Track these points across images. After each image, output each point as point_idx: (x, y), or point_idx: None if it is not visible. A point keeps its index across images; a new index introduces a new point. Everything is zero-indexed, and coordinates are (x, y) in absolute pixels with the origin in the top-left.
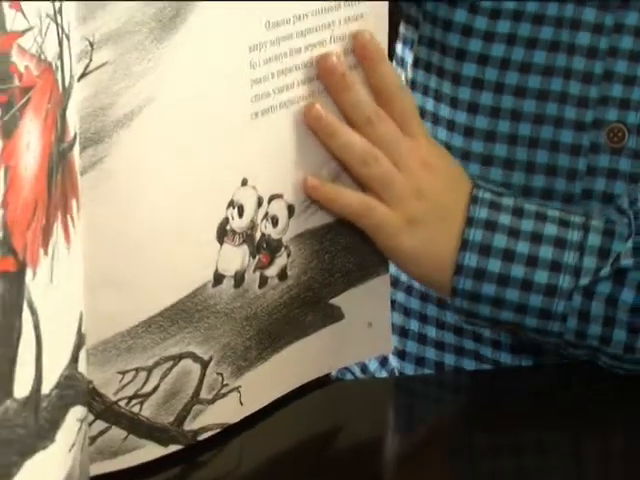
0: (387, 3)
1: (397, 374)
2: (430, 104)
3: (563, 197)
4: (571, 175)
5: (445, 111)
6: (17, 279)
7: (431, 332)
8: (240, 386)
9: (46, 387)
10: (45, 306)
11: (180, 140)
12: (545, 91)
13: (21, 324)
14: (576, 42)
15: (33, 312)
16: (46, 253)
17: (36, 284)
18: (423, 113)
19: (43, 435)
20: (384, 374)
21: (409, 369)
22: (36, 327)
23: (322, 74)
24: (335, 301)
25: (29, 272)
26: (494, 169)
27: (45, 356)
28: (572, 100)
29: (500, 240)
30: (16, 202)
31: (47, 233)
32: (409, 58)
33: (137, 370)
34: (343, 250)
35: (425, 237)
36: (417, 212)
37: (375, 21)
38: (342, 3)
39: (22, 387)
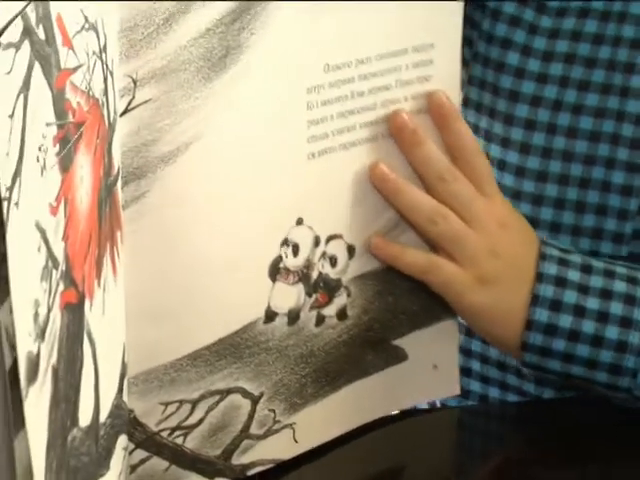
0: (459, 49)
1: (439, 405)
2: (480, 144)
3: (613, 237)
4: (622, 215)
5: (496, 151)
6: (79, 310)
7: (475, 366)
8: (294, 423)
9: (103, 416)
10: (100, 336)
11: (230, 178)
12: (597, 132)
13: (83, 354)
14: (630, 85)
15: (92, 342)
16: (99, 285)
17: (93, 315)
18: None
19: (101, 463)
20: (425, 405)
21: (453, 401)
22: (94, 357)
23: (393, 131)
24: (399, 342)
25: (87, 303)
26: (545, 209)
27: (101, 385)
28: (624, 142)
29: (570, 296)
30: (75, 235)
31: (99, 265)
32: None
33: (181, 402)
34: (407, 292)
35: (496, 295)
36: (491, 271)
37: (446, 67)
38: (409, 48)
39: (85, 416)
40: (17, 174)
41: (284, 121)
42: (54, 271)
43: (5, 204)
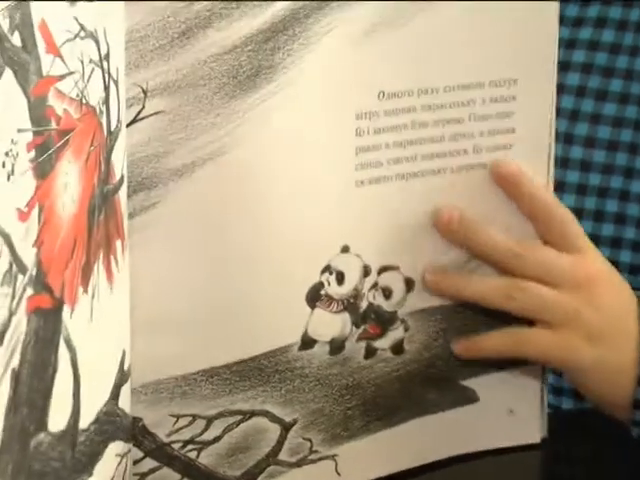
0: (552, 85)
1: None
2: None
3: (632, 245)
4: None
5: None
6: (53, 316)
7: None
8: (336, 455)
9: (84, 422)
10: (84, 343)
11: (259, 197)
12: (615, 142)
13: (57, 360)
14: None
15: (70, 349)
16: (86, 291)
17: (75, 321)
18: None
19: (80, 469)
20: None
21: None
22: (74, 363)
23: (439, 228)
24: (469, 383)
25: (67, 309)
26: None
27: (84, 392)
28: None
29: None
30: (52, 241)
31: (87, 272)
32: None
33: (194, 417)
34: (479, 332)
35: (603, 352)
36: (594, 325)
37: (532, 105)
38: (487, 81)
39: (58, 421)
40: None
41: (328, 145)
42: (19, 276)
43: None
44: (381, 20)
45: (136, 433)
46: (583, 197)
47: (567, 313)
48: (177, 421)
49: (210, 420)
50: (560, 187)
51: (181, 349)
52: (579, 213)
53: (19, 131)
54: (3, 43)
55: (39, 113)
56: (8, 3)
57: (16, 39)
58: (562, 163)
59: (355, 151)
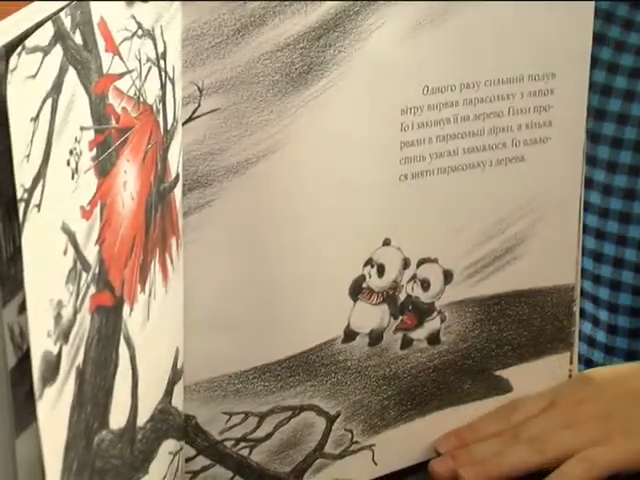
0: (586, 80)
1: None
2: None
3: None
4: None
5: None
6: (114, 314)
7: None
8: (374, 444)
9: (141, 419)
10: (142, 341)
11: (310, 193)
12: None
13: (118, 357)
14: None
15: (130, 346)
16: (143, 290)
17: (133, 319)
18: None
19: (137, 467)
20: None
21: None
22: (132, 361)
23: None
24: (502, 373)
25: (126, 307)
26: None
27: (141, 389)
28: None
29: None
30: (113, 239)
31: (145, 270)
32: None
33: (247, 414)
34: (514, 323)
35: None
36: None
37: (568, 98)
38: (526, 75)
39: (118, 419)
40: (40, 176)
41: (374, 141)
42: (84, 274)
43: (22, 205)
44: (426, 16)
45: (189, 431)
46: (608, 197)
47: (576, 447)
48: (230, 419)
49: (262, 417)
50: (626, 218)
51: (235, 347)
52: (605, 212)
53: (82, 129)
54: (67, 42)
55: (100, 111)
56: (69, 2)
57: (78, 37)
58: (627, 194)
59: (400, 146)
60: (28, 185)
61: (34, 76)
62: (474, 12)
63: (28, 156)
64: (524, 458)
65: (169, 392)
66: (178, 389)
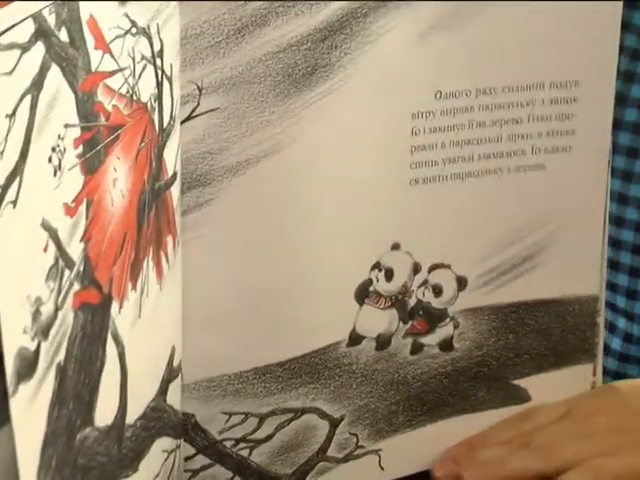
0: (612, 89)
1: None
2: None
3: None
4: None
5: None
6: (100, 311)
7: None
8: (380, 449)
9: (131, 417)
10: (132, 339)
11: (314, 194)
12: None
13: (105, 355)
14: None
15: (118, 344)
16: (134, 287)
17: (123, 317)
18: None
19: (126, 464)
20: None
21: None
22: (121, 358)
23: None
24: (521, 382)
25: (115, 305)
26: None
27: (130, 387)
28: None
29: None
30: (101, 236)
31: (136, 268)
32: None
33: (247, 415)
34: (533, 332)
35: None
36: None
37: (593, 107)
38: (547, 82)
39: (105, 416)
40: (16, 173)
41: (382, 144)
42: (66, 271)
43: None
44: (439, 21)
45: (188, 429)
46: (625, 206)
47: (609, 440)
48: (229, 419)
49: (262, 418)
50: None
51: (234, 347)
52: (621, 221)
53: (66, 126)
54: (50, 39)
55: (87, 109)
56: (52, 1)
57: (63, 35)
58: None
59: (410, 150)
60: (1, 182)
61: (10, 73)
62: (492, 17)
63: (2, 152)
64: (528, 464)
65: (164, 390)
66: (174, 387)
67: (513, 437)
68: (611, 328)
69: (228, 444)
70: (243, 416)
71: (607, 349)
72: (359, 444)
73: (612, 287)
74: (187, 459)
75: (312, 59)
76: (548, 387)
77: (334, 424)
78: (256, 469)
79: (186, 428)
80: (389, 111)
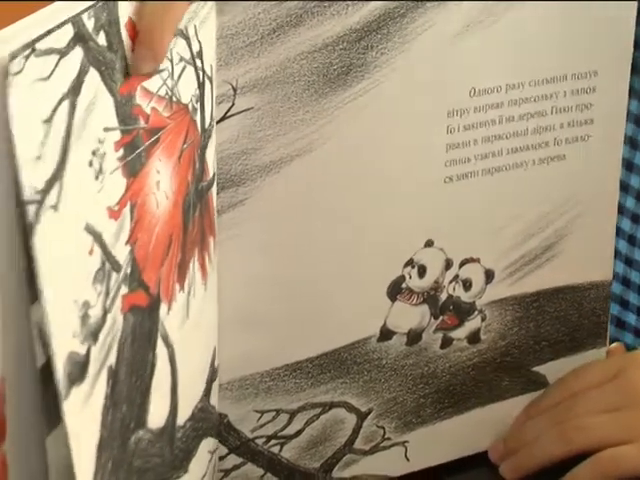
0: (627, 78)
1: None
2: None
3: None
4: None
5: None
6: (149, 313)
7: None
8: (407, 441)
9: (181, 418)
10: (181, 340)
11: (348, 194)
12: None
13: (155, 357)
14: None
15: (168, 345)
16: (182, 288)
17: (172, 318)
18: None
19: (177, 465)
20: None
21: None
22: (171, 360)
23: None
24: (540, 369)
25: (163, 307)
26: None
27: (180, 388)
28: None
29: None
30: (147, 238)
31: (183, 269)
32: None
33: (278, 411)
34: (552, 320)
35: None
36: None
37: (610, 96)
38: (569, 74)
39: (157, 418)
40: (56, 178)
41: (418, 143)
42: (113, 274)
43: (33, 206)
44: (473, 19)
45: (221, 430)
46: None
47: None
48: (261, 416)
49: (293, 414)
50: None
51: (267, 345)
52: (638, 218)
53: (106, 130)
54: (88, 43)
55: (126, 112)
56: (93, 3)
57: (101, 39)
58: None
59: (445, 148)
60: (41, 186)
61: (47, 78)
62: (521, 12)
63: (39, 157)
64: (554, 452)
65: (208, 391)
66: (215, 387)
67: (562, 399)
68: (621, 324)
69: (259, 442)
70: (274, 413)
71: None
72: (386, 436)
73: (625, 282)
74: (220, 459)
75: (347, 59)
76: (565, 372)
77: (361, 417)
78: (286, 465)
79: (219, 429)
80: (424, 110)
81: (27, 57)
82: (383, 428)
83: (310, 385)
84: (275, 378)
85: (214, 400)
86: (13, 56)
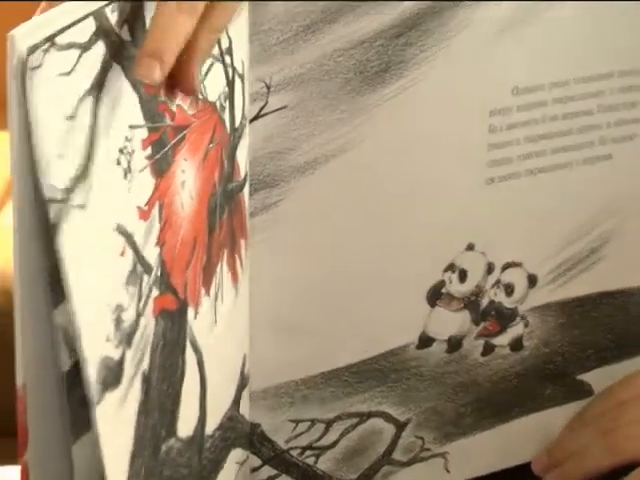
0: None
1: None
2: None
3: None
4: None
5: None
6: (178, 317)
7: None
8: (447, 452)
9: (210, 427)
10: (209, 346)
11: (386, 196)
12: None
13: (184, 363)
14: None
15: (197, 351)
16: (208, 293)
17: (199, 323)
18: None
19: (205, 476)
20: None
21: None
22: (200, 366)
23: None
24: (585, 377)
25: (191, 311)
26: None
27: (209, 396)
28: None
29: None
30: (174, 240)
31: (209, 273)
32: None
33: (313, 421)
34: (597, 326)
35: None
36: None
37: None
38: (616, 72)
39: (186, 426)
40: (83, 176)
41: (459, 143)
42: (145, 276)
43: (55, 206)
44: (515, 15)
45: (254, 440)
46: None
47: None
48: (296, 426)
49: (329, 424)
50: None
51: (302, 352)
52: None
53: (132, 127)
54: (111, 38)
55: (152, 109)
56: None
57: (125, 33)
58: None
59: (487, 148)
60: (64, 185)
61: (68, 73)
62: (565, 9)
63: (62, 155)
64: (601, 464)
65: (237, 399)
66: (245, 396)
67: (609, 408)
68: None
69: (294, 453)
70: (310, 423)
71: None
72: (425, 447)
73: None
74: (253, 470)
75: (385, 56)
76: (611, 380)
77: (400, 427)
78: (322, 476)
79: (252, 439)
80: (466, 109)
81: (46, 51)
82: (422, 439)
83: (347, 394)
84: (311, 386)
85: (244, 409)
86: (32, 50)
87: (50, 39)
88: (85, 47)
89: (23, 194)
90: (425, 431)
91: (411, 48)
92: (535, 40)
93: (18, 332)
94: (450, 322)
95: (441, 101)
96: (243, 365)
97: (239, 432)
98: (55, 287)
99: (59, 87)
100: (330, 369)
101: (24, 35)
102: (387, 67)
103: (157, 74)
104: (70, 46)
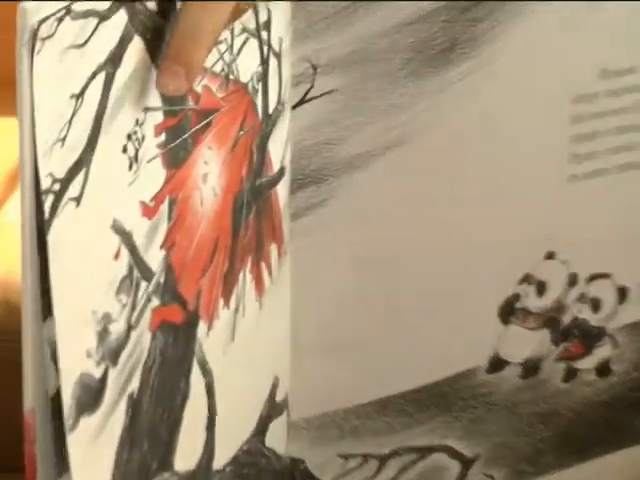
0: None
1: None
2: None
3: None
4: None
5: None
6: (185, 332)
7: None
8: None
9: (219, 462)
10: (224, 367)
11: (451, 194)
12: None
13: (188, 386)
14: None
15: (206, 372)
16: (227, 304)
17: (212, 340)
18: None
19: None
20: None
21: None
22: (209, 391)
23: None
24: None
25: (202, 325)
26: None
27: (220, 425)
28: None
29: None
30: (187, 242)
31: (230, 281)
32: None
33: (366, 457)
34: None
35: None
36: None
37: None
38: None
39: (186, 459)
40: (81, 165)
41: (536, 134)
42: (143, 283)
43: (50, 197)
44: None
45: (296, 477)
46: None
47: None
48: (346, 462)
49: (384, 460)
50: None
51: (352, 375)
52: None
53: (146, 110)
54: (134, 6)
55: None
56: None
57: (151, 2)
58: None
59: (569, 140)
60: (61, 175)
61: (82, 45)
62: None
63: (63, 140)
64: None
65: (262, 430)
66: (277, 426)
67: None
68: None
69: None
70: (361, 458)
71: None
72: None
73: None
74: None
75: (451, 32)
76: None
77: (466, 465)
78: None
79: (294, 475)
80: (545, 95)
81: (61, 19)
82: (492, 477)
83: (404, 426)
84: (362, 416)
85: (275, 442)
86: (44, 18)
87: (66, 6)
88: (104, 16)
89: (25, 185)
90: (495, 469)
91: (481, 24)
92: (625, 17)
93: (26, 350)
94: (526, 342)
95: (516, 86)
96: (273, 390)
97: (262, 467)
98: (45, 295)
99: (70, 60)
100: (385, 396)
101: (37, 9)
102: (453, 46)
103: (184, 83)
104: (87, 14)
